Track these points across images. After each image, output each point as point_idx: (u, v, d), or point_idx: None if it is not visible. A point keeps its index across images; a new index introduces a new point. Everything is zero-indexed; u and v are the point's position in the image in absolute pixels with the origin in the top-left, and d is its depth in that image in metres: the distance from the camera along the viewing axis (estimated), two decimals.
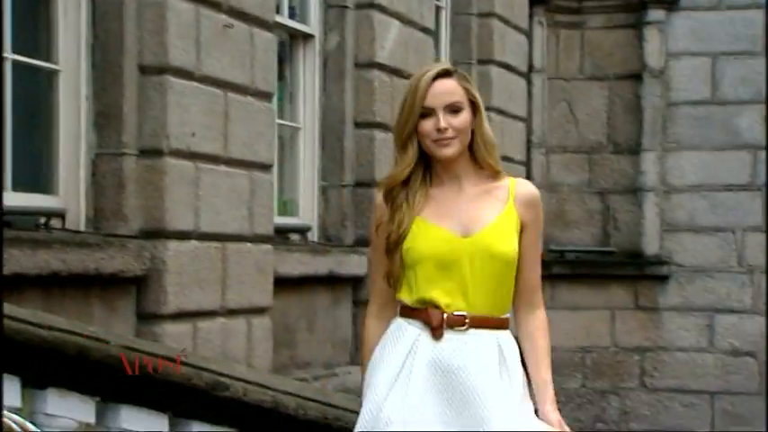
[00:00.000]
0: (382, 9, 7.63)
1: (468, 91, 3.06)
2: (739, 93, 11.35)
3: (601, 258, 10.80)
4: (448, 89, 3.03)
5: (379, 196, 3.13)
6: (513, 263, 3.05)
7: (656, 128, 11.37)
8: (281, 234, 6.97)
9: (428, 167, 3.10)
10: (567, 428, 3.08)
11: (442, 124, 2.98)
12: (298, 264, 6.96)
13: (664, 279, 11.13)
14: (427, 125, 3.00)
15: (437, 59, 8.66)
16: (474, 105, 3.06)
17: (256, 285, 6.28)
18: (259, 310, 6.29)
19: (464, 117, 3.03)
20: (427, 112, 3.00)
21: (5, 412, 3.27)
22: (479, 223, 3.03)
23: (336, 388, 6.30)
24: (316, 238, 7.55)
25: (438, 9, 8.84)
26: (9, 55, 5.02)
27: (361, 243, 7.59)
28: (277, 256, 6.54)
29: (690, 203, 11.41)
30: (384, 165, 7.62)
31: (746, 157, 11.30)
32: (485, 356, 2.99)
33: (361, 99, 7.62)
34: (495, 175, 3.11)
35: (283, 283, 6.59)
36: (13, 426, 3.26)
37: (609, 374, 10.81)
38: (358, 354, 7.58)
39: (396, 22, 7.82)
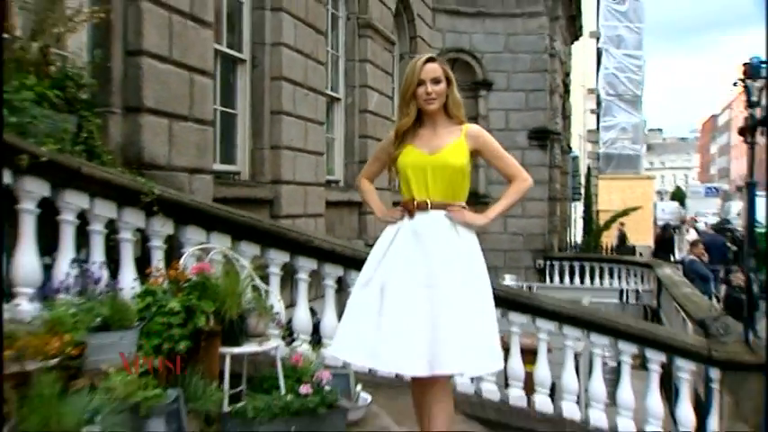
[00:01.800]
0: (371, 87, 7.59)
1: (444, 70, 2.48)
2: (518, 126, 11.34)
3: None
4: (433, 69, 2.45)
5: (392, 132, 2.54)
6: (460, 170, 2.46)
7: None
8: (328, 183, 6.95)
9: (419, 118, 2.51)
10: (474, 219, 2.45)
11: (429, 89, 2.44)
12: (335, 195, 6.93)
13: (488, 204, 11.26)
14: (420, 90, 2.45)
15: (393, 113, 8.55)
16: (448, 79, 2.49)
17: (318, 204, 6.27)
18: (319, 215, 6.29)
19: (442, 86, 2.46)
20: (420, 83, 2.45)
21: (224, 249, 3.23)
22: (440, 147, 2.46)
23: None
24: (342, 185, 7.51)
25: (393, 90, 8.73)
26: (218, 107, 4.97)
27: None
28: (326, 192, 6.52)
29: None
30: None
31: (518, 153, 11.06)
32: (440, 226, 2.43)
33: (361, 126, 7.57)
34: (459, 123, 2.52)
35: (329, 204, 6.58)
36: (228, 254, 3.19)
37: None
38: (363, 235, 7.58)
39: (376, 94, 7.78)
